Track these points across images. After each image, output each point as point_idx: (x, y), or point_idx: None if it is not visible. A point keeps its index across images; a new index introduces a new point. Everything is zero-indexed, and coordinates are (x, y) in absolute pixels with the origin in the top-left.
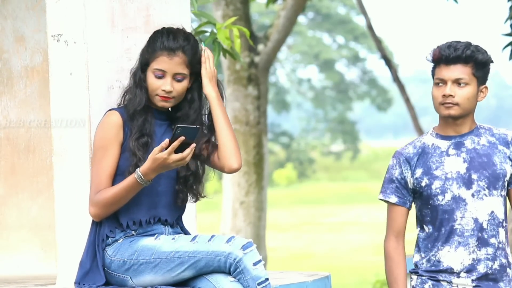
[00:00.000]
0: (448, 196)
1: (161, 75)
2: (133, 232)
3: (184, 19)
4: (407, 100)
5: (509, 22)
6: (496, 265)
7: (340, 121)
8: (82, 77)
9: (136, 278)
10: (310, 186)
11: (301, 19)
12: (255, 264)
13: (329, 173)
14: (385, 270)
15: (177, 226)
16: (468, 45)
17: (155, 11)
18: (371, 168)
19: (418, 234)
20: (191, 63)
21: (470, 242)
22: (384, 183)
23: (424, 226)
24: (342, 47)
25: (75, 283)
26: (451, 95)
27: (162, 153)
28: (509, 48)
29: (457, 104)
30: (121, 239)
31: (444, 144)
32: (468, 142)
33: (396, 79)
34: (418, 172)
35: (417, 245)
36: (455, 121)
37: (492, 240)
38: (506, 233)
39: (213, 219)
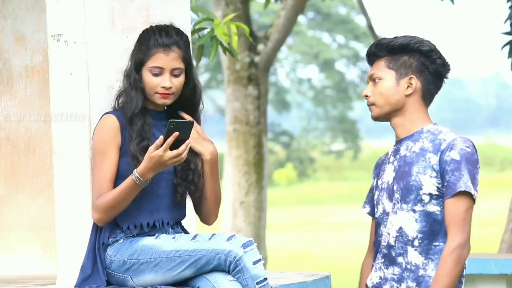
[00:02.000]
0: (380, 209)
1: (159, 72)
2: (133, 233)
3: (184, 19)
4: None
5: (509, 22)
6: None
7: (340, 120)
8: (82, 77)
9: (136, 278)
10: (310, 186)
11: (301, 18)
12: (254, 263)
13: (329, 172)
14: None
15: (178, 226)
16: (384, 39)
17: (155, 11)
18: (371, 168)
19: None
20: (186, 57)
21: (378, 257)
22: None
23: None
24: (342, 46)
25: (75, 286)
26: (366, 95)
27: (157, 150)
28: (508, 47)
29: (373, 104)
30: (122, 240)
31: (390, 151)
32: (403, 149)
33: None
34: (375, 181)
35: None
36: (391, 125)
37: (400, 259)
38: (426, 253)
39: None
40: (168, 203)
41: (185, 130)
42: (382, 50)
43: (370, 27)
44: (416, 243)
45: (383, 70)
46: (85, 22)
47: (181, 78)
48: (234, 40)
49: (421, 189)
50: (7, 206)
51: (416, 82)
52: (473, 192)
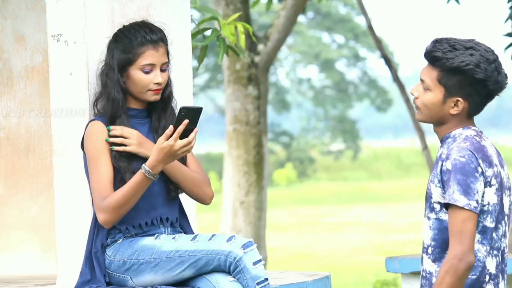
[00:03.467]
0: None
1: (150, 69)
2: (132, 233)
3: (184, 19)
4: (407, 100)
5: (509, 22)
6: None
7: (340, 120)
8: (82, 77)
9: (136, 278)
10: (310, 186)
11: (301, 18)
12: (255, 263)
13: (329, 172)
14: None
15: (177, 225)
16: (447, 44)
17: (155, 11)
18: (371, 168)
19: None
20: (168, 51)
21: None
22: None
23: None
24: (342, 46)
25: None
26: (414, 95)
27: (168, 141)
28: (510, 48)
29: (418, 108)
30: (120, 240)
31: None
32: (439, 153)
33: (396, 79)
34: None
35: None
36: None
37: (421, 267)
38: (438, 261)
39: (213, 219)
40: (163, 199)
41: (194, 117)
42: (436, 61)
43: (370, 27)
44: (429, 250)
45: (434, 83)
46: (85, 22)
47: (168, 72)
48: (241, 39)
49: (431, 197)
50: (7, 206)
51: (462, 104)
52: (460, 204)
